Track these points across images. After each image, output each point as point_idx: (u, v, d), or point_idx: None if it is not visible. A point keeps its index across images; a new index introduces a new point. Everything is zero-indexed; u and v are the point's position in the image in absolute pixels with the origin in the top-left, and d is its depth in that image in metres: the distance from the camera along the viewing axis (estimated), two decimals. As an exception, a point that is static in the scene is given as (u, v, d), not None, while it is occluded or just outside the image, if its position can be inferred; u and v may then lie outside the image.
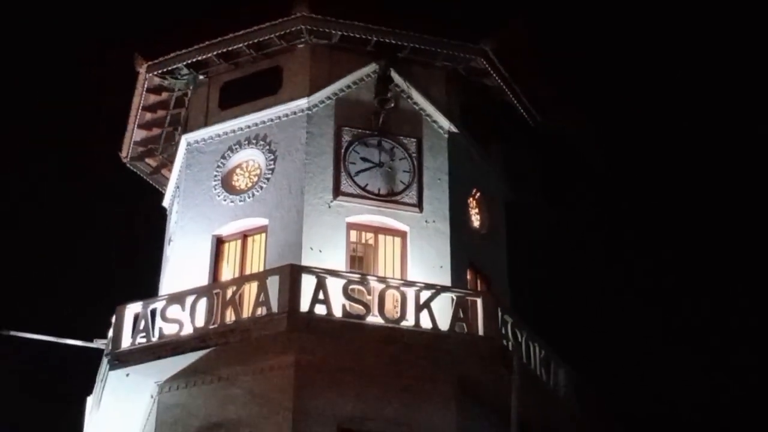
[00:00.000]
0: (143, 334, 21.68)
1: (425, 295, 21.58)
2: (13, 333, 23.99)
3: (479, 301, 21.92)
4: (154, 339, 21.55)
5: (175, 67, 25.85)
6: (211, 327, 21.24)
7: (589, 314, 36.53)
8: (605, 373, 33.06)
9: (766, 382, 36.27)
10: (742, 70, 41.69)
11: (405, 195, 23.89)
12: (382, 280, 21.96)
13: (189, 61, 25.64)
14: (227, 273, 23.76)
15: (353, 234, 23.56)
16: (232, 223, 24.09)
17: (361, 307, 21.30)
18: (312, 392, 21.04)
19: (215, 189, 24.52)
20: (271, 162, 24.23)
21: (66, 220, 41.32)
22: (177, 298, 21.88)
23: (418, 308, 21.39)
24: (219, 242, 24.11)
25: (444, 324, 21.36)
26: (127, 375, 21.77)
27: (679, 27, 42.09)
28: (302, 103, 24.46)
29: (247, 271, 23.37)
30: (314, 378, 21.14)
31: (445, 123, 25.05)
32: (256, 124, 24.84)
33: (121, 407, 22.62)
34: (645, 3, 41.30)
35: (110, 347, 22.01)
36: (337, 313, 21.09)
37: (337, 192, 23.58)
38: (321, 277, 21.27)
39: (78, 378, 26.79)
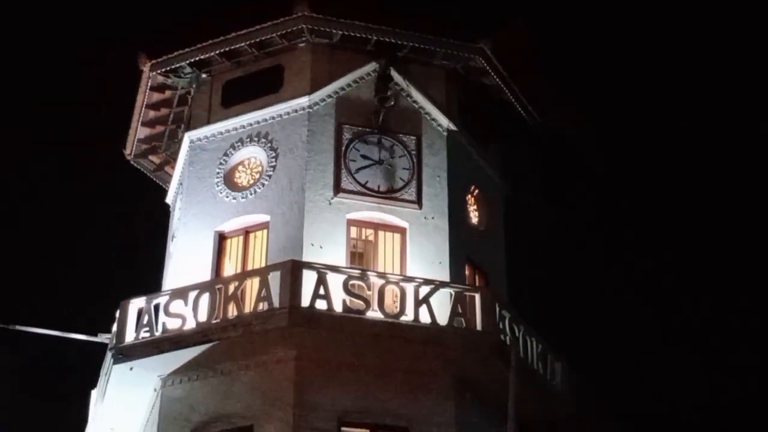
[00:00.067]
0: (147, 328, 21.79)
1: (424, 290, 21.70)
2: (18, 328, 24.24)
3: (477, 297, 22.07)
4: (158, 333, 21.66)
5: (178, 65, 25.91)
6: (214, 322, 21.35)
7: (589, 314, 36.53)
8: (605, 373, 33.22)
9: (766, 382, 36.32)
10: (742, 70, 41.78)
11: (404, 192, 23.98)
12: (381, 275, 22.06)
13: (192, 60, 25.70)
14: (229, 269, 23.83)
15: (353, 230, 23.65)
16: (234, 219, 24.17)
17: (361, 302, 21.39)
18: (312, 386, 21.15)
19: (218, 186, 24.61)
20: (273, 159, 24.29)
21: (69, 217, 41.35)
22: (180, 294, 21.98)
23: (418, 303, 21.52)
24: (221, 238, 24.19)
25: (443, 319, 21.49)
26: (131, 369, 21.89)
27: (679, 27, 42.17)
28: (303, 101, 24.53)
29: (249, 267, 23.43)
30: (315, 372, 21.24)
31: (444, 121, 25.12)
32: (258, 122, 24.90)
33: (125, 400, 22.73)
34: (645, 3, 41.37)
35: (114, 341, 22.15)
36: (338, 308, 21.21)
37: (337, 189, 23.67)
38: (322, 272, 21.37)
39: (82, 372, 27.00)
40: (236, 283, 21.79)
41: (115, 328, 22.44)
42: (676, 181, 41.25)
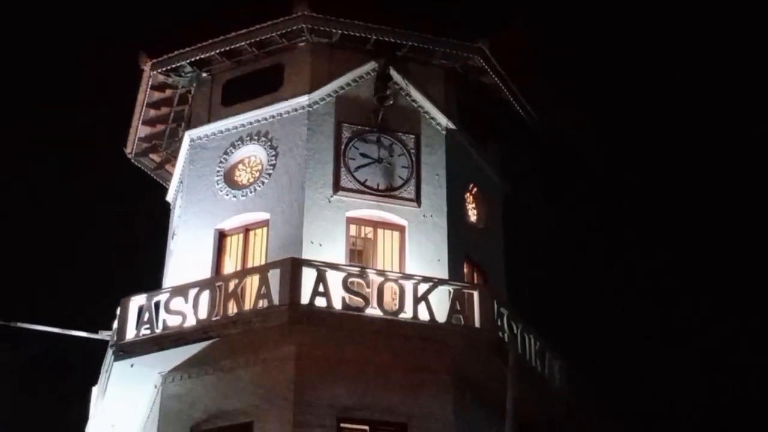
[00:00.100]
0: (147, 325, 21.83)
1: (423, 287, 21.76)
2: (20, 325, 24.26)
3: (476, 294, 22.14)
4: (158, 330, 21.70)
5: (178, 64, 25.97)
6: (214, 319, 21.40)
7: (589, 314, 36.43)
8: (605, 373, 33.13)
9: (766, 382, 36.21)
10: (742, 70, 41.72)
11: (403, 190, 24.06)
12: (381, 273, 22.11)
13: (192, 59, 25.77)
14: (229, 266, 23.88)
15: (353, 228, 23.70)
16: (234, 217, 24.24)
17: (360, 299, 21.44)
18: (312, 383, 21.20)
19: (218, 184, 24.67)
20: (273, 158, 24.35)
21: (70, 216, 41.33)
22: (180, 291, 22.01)
23: (416, 301, 21.59)
24: (221, 236, 24.26)
25: (441, 316, 21.56)
26: (132, 366, 21.95)
27: (679, 27, 42.12)
28: (303, 100, 24.59)
29: (249, 265, 23.48)
30: (314, 369, 21.29)
31: (442, 120, 25.19)
32: (258, 121, 24.96)
33: (126, 397, 22.80)
34: (645, 3, 41.33)
35: (115, 339, 22.17)
36: (337, 305, 21.25)
37: (337, 187, 23.74)
38: (321, 270, 21.42)
39: (83, 369, 27.08)
40: (236, 281, 21.82)
41: (115, 325, 22.45)
42: (676, 181, 41.31)
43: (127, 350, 21.87)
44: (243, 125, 25.16)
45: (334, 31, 24.94)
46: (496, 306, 22.21)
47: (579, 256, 36.76)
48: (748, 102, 40.95)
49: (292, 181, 23.85)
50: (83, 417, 25.17)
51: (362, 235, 23.90)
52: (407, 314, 21.49)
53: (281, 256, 22.27)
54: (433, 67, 25.65)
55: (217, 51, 25.53)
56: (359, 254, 23.65)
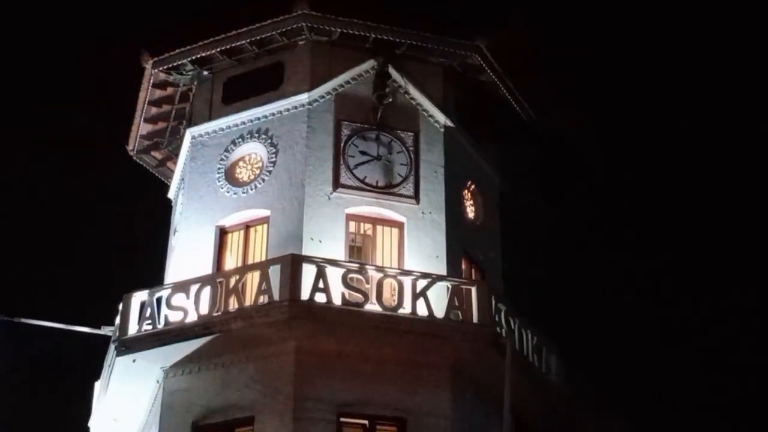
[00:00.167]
0: (149, 321, 21.93)
1: (422, 283, 21.85)
2: (24, 320, 24.27)
3: (474, 290, 22.24)
4: (160, 326, 21.81)
5: (180, 63, 26.01)
6: (215, 314, 21.49)
7: (589, 314, 36.22)
8: (605, 373, 32.96)
9: (766, 382, 36.01)
10: (742, 70, 41.51)
11: (402, 187, 24.13)
12: (380, 269, 22.19)
13: (193, 57, 25.82)
14: (230, 262, 23.95)
15: (352, 225, 23.77)
16: (235, 214, 24.32)
17: (359, 295, 21.55)
18: (312, 378, 21.30)
19: (219, 181, 24.76)
20: (273, 155, 24.43)
21: (71, 215, 41.24)
22: (182, 287, 22.13)
23: (415, 296, 21.67)
24: (222, 233, 24.32)
25: (440, 312, 21.67)
26: (134, 361, 22.07)
27: (679, 27, 41.91)
28: (303, 98, 24.67)
29: (250, 261, 23.53)
30: (314, 364, 21.39)
31: (441, 118, 25.24)
32: (259, 119, 25.05)
33: (128, 392, 22.95)
34: (645, 3, 41.16)
35: (117, 334, 22.27)
36: (337, 301, 21.35)
37: (336, 184, 23.83)
38: (321, 266, 21.51)
39: (86, 365, 27.07)
40: (237, 277, 21.91)
41: (118, 321, 22.54)
42: (676, 180, 41.06)
43: (130, 345, 21.96)
44: (243, 123, 25.23)
45: (333, 29, 25.00)
46: (493, 301, 22.28)
47: (579, 256, 36.58)
48: (748, 102, 40.87)
49: (292, 179, 23.92)
50: (86, 411, 25.29)
51: (361, 232, 23.96)
52: (406, 310, 21.58)
53: (281, 253, 22.36)
54: (432, 65, 25.71)
55: (218, 49, 25.59)
56: (358, 251, 23.70)
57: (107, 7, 43.45)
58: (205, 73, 26.25)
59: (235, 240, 24.32)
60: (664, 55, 41.91)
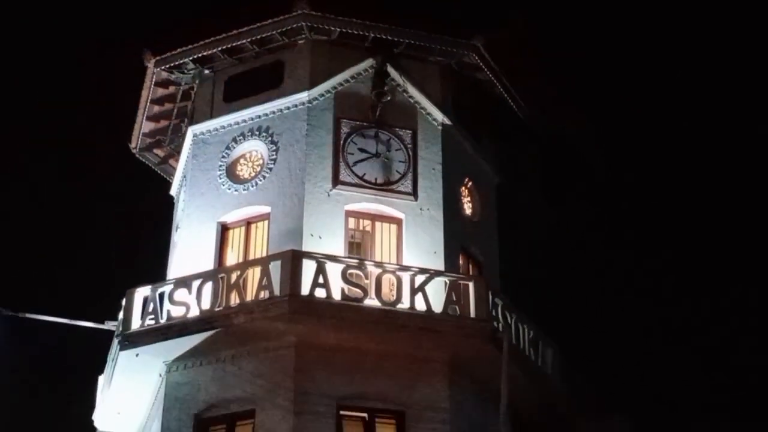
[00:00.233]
0: (152, 316, 22.08)
1: (420, 279, 21.97)
2: (29, 315, 24.45)
3: (471, 285, 22.30)
4: (162, 321, 21.94)
5: (181, 62, 26.13)
6: (217, 309, 21.62)
7: (589, 314, 36.11)
8: (605, 373, 32.99)
9: (766, 382, 35.82)
10: (742, 70, 41.37)
11: (401, 184, 24.25)
12: (378, 265, 22.30)
13: (195, 57, 25.94)
14: (232, 258, 24.03)
15: (351, 221, 23.88)
16: (236, 210, 24.44)
17: (359, 290, 21.67)
18: (312, 372, 21.44)
19: (220, 178, 24.87)
20: (274, 152, 24.55)
21: (75, 213, 41.35)
22: (184, 282, 22.25)
23: (413, 292, 21.80)
24: (224, 229, 24.44)
25: (438, 306, 21.79)
26: (137, 355, 22.22)
27: (679, 27, 41.77)
28: (303, 96, 24.79)
29: (251, 257, 23.62)
30: (314, 358, 21.52)
31: (438, 115, 25.35)
32: (259, 117, 25.15)
33: (131, 386, 23.08)
34: (645, 3, 41.05)
35: (120, 329, 22.43)
36: (336, 296, 21.48)
37: (336, 181, 23.95)
38: (321, 262, 21.64)
39: (90, 359, 27.17)
40: (238, 272, 22.03)
41: (121, 316, 22.71)
42: (676, 180, 40.90)
43: (133, 340, 22.10)
44: (244, 121, 25.36)
45: (333, 29, 25.11)
46: (490, 296, 22.38)
47: (579, 256, 36.54)
48: (748, 102, 40.71)
49: (292, 176, 24.03)
50: (90, 405, 25.38)
51: (361, 228, 24.06)
52: (404, 305, 21.70)
53: (282, 249, 22.47)
54: (430, 64, 25.79)
55: (219, 48, 25.70)
56: (358, 246, 23.78)
57: (107, 7, 43.47)
58: (207, 71, 26.37)
59: (236, 236, 24.42)
60: (664, 55, 41.92)
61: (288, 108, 24.99)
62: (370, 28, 25.09)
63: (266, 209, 24.15)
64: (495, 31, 25.91)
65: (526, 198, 28.88)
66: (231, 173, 25.03)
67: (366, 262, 22.39)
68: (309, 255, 21.92)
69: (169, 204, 28.09)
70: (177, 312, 22.01)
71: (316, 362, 21.60)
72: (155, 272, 26.34)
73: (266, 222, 24.07)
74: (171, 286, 22.40)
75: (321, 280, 21.52)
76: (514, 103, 26.96)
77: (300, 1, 24.89)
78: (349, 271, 21.87)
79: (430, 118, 25.40)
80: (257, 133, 25.14)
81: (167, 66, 26.42)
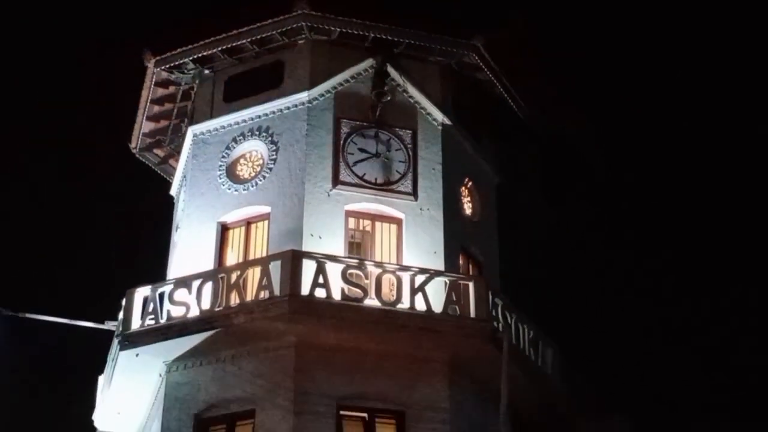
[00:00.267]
0: (152, 316, 22.10)
1: (420, 279, 22.00)
2: (28, 315, 24.48)
3: (471, 285, 22.33)
4: (162, 321, 21.96)
5: (181, 62, 26.18)
6: (217, 309, 21.65)
7: (589, 314, 36.09)
8: (605, 373, 32.96)
9: (766, 382, 35.79)
10: (742, 70, 41.34)
11: (401, 184, 24.29)
12: (378, 265, 22.33)
13: (195, 57, 25.98)
14: (232, 258, 24.07)
15: (351, 221, 23.91)
16: (236, 210, 24.48)
17: (359, 290, 21.70)
18: (312, 371, 21.47)
19: (220, 178, 24.91)
20: (274, 152, 24.58)
21: (75, 213, 41.37)
22: (184, 282, 22.28)
23: (413, 291, 21.83)
24: (224, 229, 24.47)
25: (438, 306, 21.82)
26: (137, 355, 22.24)
27: (679, 27, 41.75)
28: (303, 96, 24.82)
29: (251, 257, 23.65)
30: (314, 358, 21.55)
31: (438, 115, 25.39)
32: (259, 117, 25.19)
33: (131, 385, 23.11)
34: (645, 3, 41.03)
35: (120, 329, 22.45)
36: (336, 296, 21.51)
37: (336, 181, 23.98)
38: (321, 262, 21.67)
39: (90, 359, 27.19)
40: (238, 272, 22.06)
41: (121, 316, 22.73)
42: (676, 180, 40.87)
43: (133, 340, 22.13)
44: (244, 121, 25.39)
45: (333, 29, 25.15)
46: (490, 296, 22.42)
47: (579, 256, 36.51)
48: (748, 102, 40.67)
49: (292, 176, 24.07)
50: (90, 405, 25.42)
51: (361, 228, 24.09)
52: (404, 305, 21.73)
53: (282, 249, 22.51)
54: (430, 64, 25.83)
55: (219, 48, 25.75)
56: (358, 246, 23.83)
57: (107, 7, 43.47)
58: (207, 71, 26.42)
59: (236, 236, 24.46)
60: (664, 55, 41.90)
61: (288, 108, 25.03)
62: (370, 28, 25.13)
63: (266, 209, 24.17)
64: (495, 31, 25.94)
65: (526, 198, 28.91)
66: (231, 173, 25.06)
67: (366, 262, 22.42)
68: (309, 255, 21.95)
69: (169, 204, 28.16)
70: (177, 312, 22.04)
71: (316, 362, 21.63)
72: (155, 272, 26.44)
73: (266, 222, 24.09)
74: (171, 286, 22.43)
75: (321, 280, 21.55)
76: (514, 103, 26.99)
77: (300, 1, 24.93)
78: (349, 271, 21.90)
79: (430, 118, 25.44)
80: (257, 133, 25.17)
81: (167, 66, 26.45)
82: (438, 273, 22.57)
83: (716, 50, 41.97)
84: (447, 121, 25.59)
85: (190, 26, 26.27)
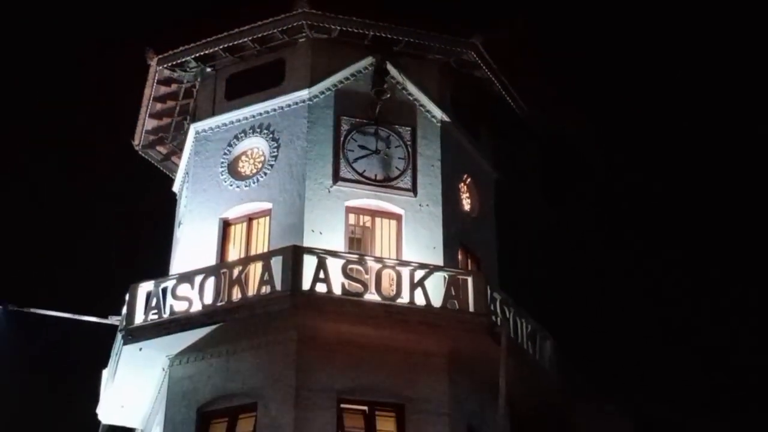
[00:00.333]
0: (155, 311, 22.24)
1: (419, 274, 22.14)
2: (34, 311, 24.67)
3: (470, 280, 22.45)
4: (165, 315, 22.10)
5: (183, 60, 26.30)
6: (219, 304, 21.78)
7: (589, 314, 35.98)
8: (605, 373, 33.15)
9: (766, 382, 35.69)
10: (742, 70, 41.28)
11: (400, 180, 24.41)
12: (378, 260, 22.44)
13: (197, 55, 26.10)
14: (233, 254, 24.17)
15: (351, 217, 24.02)
16: (237, 207, 24.59)
17: (359, 285, 21.82)
18: (313, 366, 21.58)
19: (222, 175, 25.04)
20: (275, 149, 24.70)
21: (76, 210, 41.32)
22: (186, 277, 22.41)
23: (413, 286, 21.96)
24: (226, 225, 24.60)
25: (437, 301, 21.94)
26: (140, 349, 22.38)
27: (679, 27, 41.69)
28: (303, 94, 24.95)
29: (252, 252, 23.75)
30: (315, 352, 21.65)
31: (437, 113, 25.50)
32: (261, 114, 25.31)
33: (134, 380, 23.29)
34: (645, 3, 41.00)
35: (124, 323, 22.58)
36: (337, 291, 21.63)
37: (336, 177, 24.12)
38: (321, 257, 21.80)
39: (94, 353, 27.36)
40: (240, 268, 22.18)
41: (124, 310, 22.85)
42: (676, 180, 40.78)
43: (136, 334, 22.25)
44: (246, 118, 25.50)
45: (333, 27, 25.27)
46: (489, 291, 22.54)
47: (579, 256, 36.47)
48: (748, 102, 40.60)
49: (293, 172, 24.19)
50: (94, 399, 25.55)
51: (361, 224, 24.20)
52: (404, 299, 21.86)
53: (283, 244, 22.61)
54: (429, 62, 25.91)
55: (221, 47, 25.87)
56: (358, 242, 23.94)
57: (108, 6, 43.46)
58: (208, 70, 26.53)
59: (238, 232, 24.56)
60: (664, 55, 41.83)
61: (289, 105, 25.15)
62: (369, 26, 25.25)
63: (267, 205, 24.30)
64: (494, 30, 26.04)
65: (525, 195, 28.96)
66: (233, 170, 25.18)
67: (366, 258, 22.52)
68: (310, 250, 22.05)
69: (171, 201, 28.29)
70: (180, 307, 22.17)
71: (317, 356, 21.73)
72: (158, 268, 26.53)
73: (267, 218, 24.20)
74: (174, 282, 22.56)
75: (322, 275, 21.67)
76: (513, 102, 27.09)
77: (300, 0, 25.06)
78: (350, 266, 22.00)
79: (429, 116, 25.56)
80: (258, 130, 25.29)
81: (170, 64, 26.58)
82: (437, 268, 22.67)
83: (716, 50, 42.05)
84: (446, 118, 25.69)
85: (192, 25, 26.45)
